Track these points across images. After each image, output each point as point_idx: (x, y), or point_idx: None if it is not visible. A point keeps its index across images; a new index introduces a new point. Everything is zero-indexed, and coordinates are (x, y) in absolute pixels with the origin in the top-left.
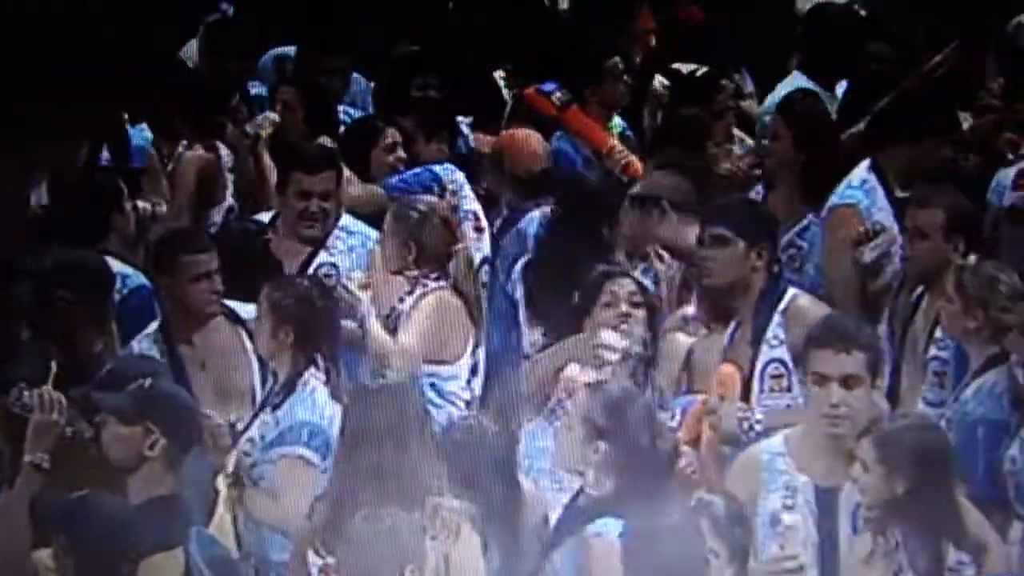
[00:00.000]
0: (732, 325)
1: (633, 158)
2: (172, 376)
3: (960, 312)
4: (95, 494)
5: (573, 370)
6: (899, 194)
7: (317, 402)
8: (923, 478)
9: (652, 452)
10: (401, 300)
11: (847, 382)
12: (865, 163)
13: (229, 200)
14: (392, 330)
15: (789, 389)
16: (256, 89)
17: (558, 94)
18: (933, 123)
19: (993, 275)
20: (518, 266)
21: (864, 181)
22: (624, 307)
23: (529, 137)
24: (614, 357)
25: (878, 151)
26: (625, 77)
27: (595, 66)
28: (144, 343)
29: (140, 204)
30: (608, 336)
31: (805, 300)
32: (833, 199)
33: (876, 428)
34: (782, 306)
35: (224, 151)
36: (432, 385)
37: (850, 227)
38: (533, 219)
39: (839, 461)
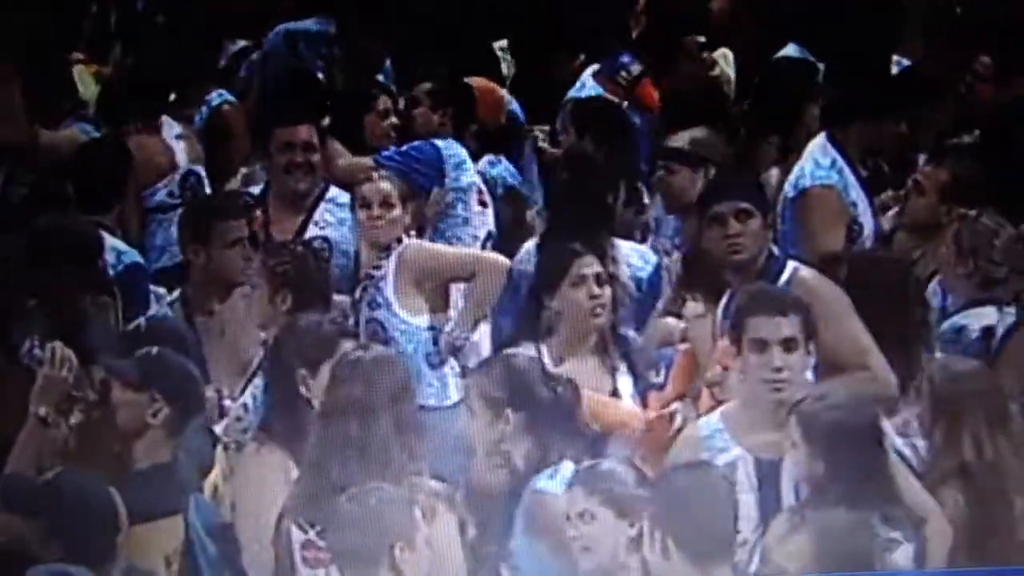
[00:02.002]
0: (726, 299)
1: None
2: (186, 345)
3: (953, 258)
4: (65, 473)
5: None
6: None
7: None
8: (842, 459)
9: (556, 401)
10: (378, 267)
11: (787, 345)
12: (821, 139)
13: (186, 167)
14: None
15: None
16: None
17: (624, 73)
18: (893, 100)
19: (993, 228)
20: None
21: (833, 161)
22: (593, 287)
23: (493, 88)
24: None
25: (838, 127)
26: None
27: (672, 45)
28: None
29: None
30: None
31: (807, 272)
32: (803, 181)
33: (801, 406)
34: (784, 278)
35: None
36: (434, 340)
37: (830, 207)
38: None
39: (779, 432)
